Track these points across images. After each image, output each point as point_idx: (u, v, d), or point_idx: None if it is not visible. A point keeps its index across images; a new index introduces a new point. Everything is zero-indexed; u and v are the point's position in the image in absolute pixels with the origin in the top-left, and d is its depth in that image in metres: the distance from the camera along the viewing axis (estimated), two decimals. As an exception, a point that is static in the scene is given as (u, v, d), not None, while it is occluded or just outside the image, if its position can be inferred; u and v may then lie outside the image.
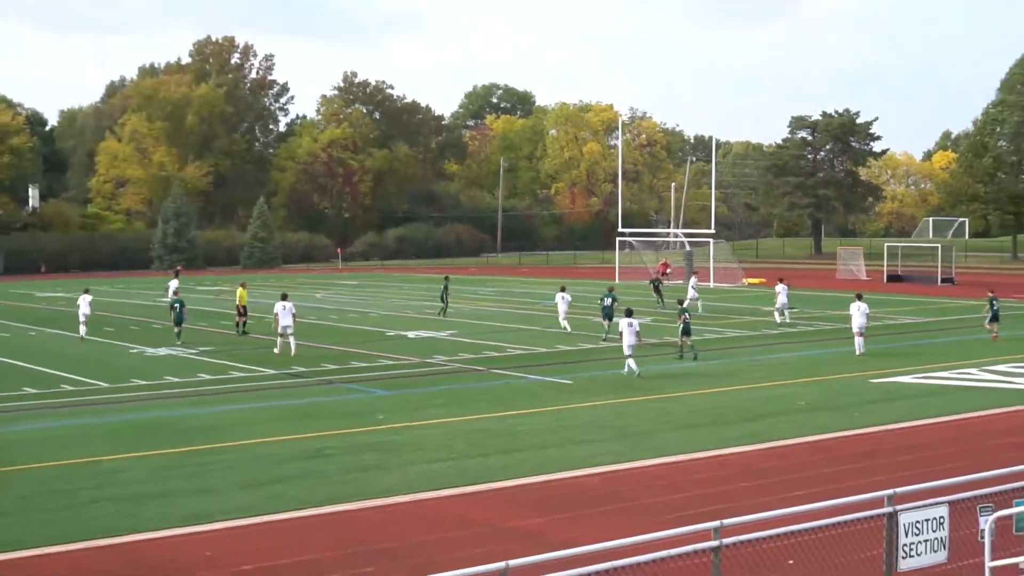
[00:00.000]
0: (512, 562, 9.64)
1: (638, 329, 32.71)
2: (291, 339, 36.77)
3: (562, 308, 43.59)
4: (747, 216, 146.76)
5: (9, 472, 20.39)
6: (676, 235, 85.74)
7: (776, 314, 46.18)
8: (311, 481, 19.59)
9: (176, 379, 31.97)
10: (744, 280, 75.50)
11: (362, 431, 24.16)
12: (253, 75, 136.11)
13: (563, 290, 44.14)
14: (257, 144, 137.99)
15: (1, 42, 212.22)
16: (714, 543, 10.76)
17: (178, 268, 74.72)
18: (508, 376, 32.35)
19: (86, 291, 43.81)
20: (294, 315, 37.11)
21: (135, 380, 31.78)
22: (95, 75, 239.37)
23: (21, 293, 72.08)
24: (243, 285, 46.01)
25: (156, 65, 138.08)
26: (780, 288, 46.13)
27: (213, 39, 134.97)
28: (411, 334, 42.14)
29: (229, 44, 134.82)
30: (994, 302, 40.67)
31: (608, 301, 40.67)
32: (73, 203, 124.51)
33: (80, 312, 41.64)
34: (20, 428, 24.88)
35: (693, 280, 55.56)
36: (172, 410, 27.15)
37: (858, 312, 36.72)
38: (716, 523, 10.83)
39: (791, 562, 11.95)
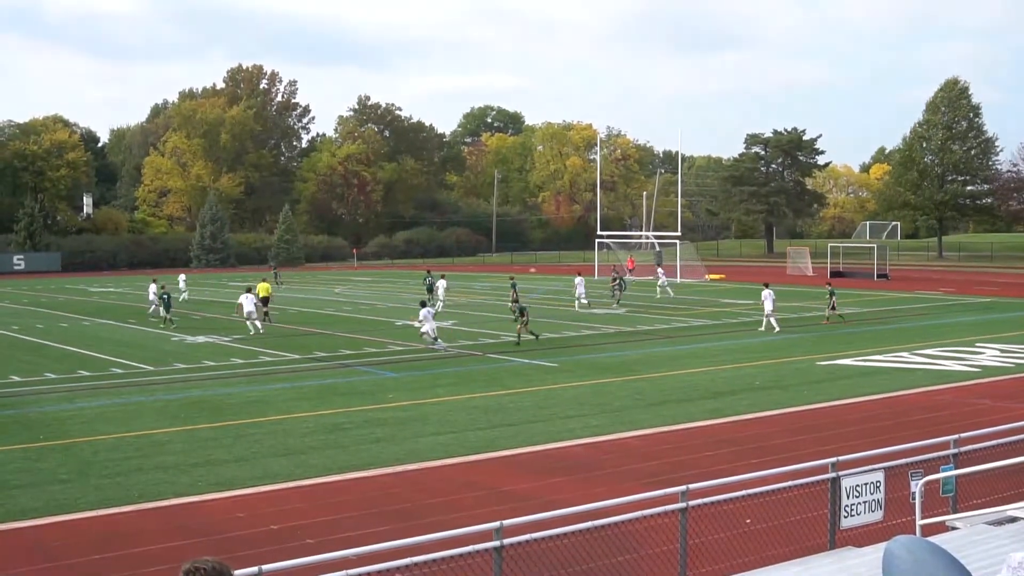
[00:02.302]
0: (506, 521, 9.68)
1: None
2: (256, 322, 39.85)
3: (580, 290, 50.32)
4: (708, 220, 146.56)
5: (68, 444, 20.38)
6: (647, 237, 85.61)
7: (767, 320, 39.60)
8: (332, 451, 19.59)
9: (212, 363, 31.93)
10: (706, 276, 75.54)
11: (375, 408, 24.16)
12: (279, 98, 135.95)
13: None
14: (282, 158, 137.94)
15: (60, 71, 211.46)
16: (681, 504, 10.82)
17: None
18: (502, 360, 32.35)
19: (154, 281, 44.11)
20: (256, 304, 40.72)
21: (177, 364, 31.73)
22: (142, 98, 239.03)
23: (77, 288, 71.92)
24: (265, 280, 46.41)
25: (195, 89, 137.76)
26: (766, 294, 39.77)
27: (244, 67, 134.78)
28: (415, 323, 42.11)
29: (258, 71, 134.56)
30: (832, 293, 43.04)
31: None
32: (122, 210, 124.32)
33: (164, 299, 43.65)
34: (76, 405, 24.84)
35: (660, 271, 58.75)
36: (209, 390, 27.12)
37: (768, 299, 39.52)
38: (683, 487, 10.90)
39: (748, 521, 12.01)
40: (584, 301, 50.19)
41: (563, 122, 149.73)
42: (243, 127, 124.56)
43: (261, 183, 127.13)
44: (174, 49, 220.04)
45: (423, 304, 36.04)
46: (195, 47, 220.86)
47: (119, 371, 30.45)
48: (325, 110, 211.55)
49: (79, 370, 30.43)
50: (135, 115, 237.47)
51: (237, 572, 5.43)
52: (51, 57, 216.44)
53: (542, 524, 10.13)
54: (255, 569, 8.19)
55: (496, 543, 9.51)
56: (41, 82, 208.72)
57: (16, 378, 29.09)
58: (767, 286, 41.03)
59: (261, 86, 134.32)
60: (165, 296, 44.08)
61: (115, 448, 19.95)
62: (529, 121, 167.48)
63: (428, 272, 58.60)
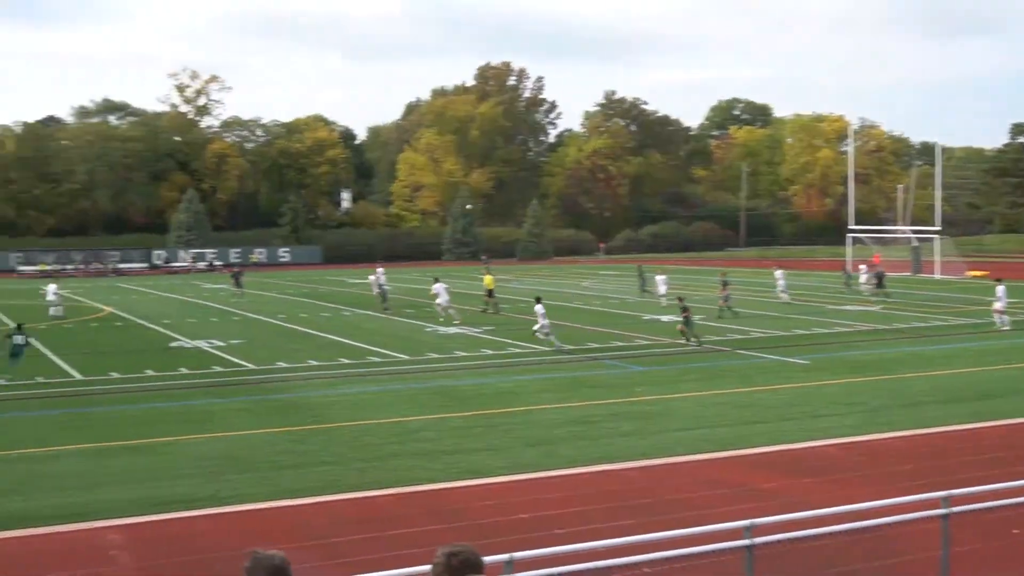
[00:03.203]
0: (757, 520, 9.49)
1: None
2: (451, 311, 40.06)
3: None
4: (969, 214, 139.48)
5: (330, 428, 21.28)
6: (904, 232, 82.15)
7: (995, 316, 38.40)
8: (580, 443, 19.70)
9: (464, 353, 32.67)
10: (967, 273, 71.92)
11: (622, 401, 24.16)
12: (527, 94, 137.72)
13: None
14: (530, 153, 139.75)
15: (321, 72, 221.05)
16: (943, 511, 10.31)
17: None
18: (751, 356, 31.77)
19: (436, 280, 44.99)
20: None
21: (431, 354, 32.63)
22: (396, 97, 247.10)
23: (337, 279, 75.04)
24: (489, 272, 48.16)
25: (446, 87, 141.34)
26: (1000, 290, 38.34)
27: (493, 64, 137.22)
28: (664, 318, 41.80)
29: (506, 68, 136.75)
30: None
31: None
32: (378, 204, 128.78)
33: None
34: (338, 392, 25.90)
35: (863, 268, 55.92)
36: (461, 380, 27.76)
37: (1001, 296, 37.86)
38: (945, 493, 10.38)
39: (1015, 531, 11.36)
40: (784, 296, 48.94)
41: (813, 113, 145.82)
42: (492, 123, 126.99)
43: (510, 178, 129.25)
44: (426, 48, 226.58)
45: (538, 300, 35.21)
46: (446, 46, 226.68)
47: (376, 360, 31.56)
48: (571, 106, 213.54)
49: (340, 358, 31.71)
50: (390, 113, 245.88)
51: (488, 559, 5.53)
52: (312, 59, 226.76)
53: (795, 524, 9.88)
54: (506, 556, 8.31)
55: (747, 542, 9.34)
56: (304, 84, 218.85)
57: (283, 364, 30.61)
58: (1000, 282, 39.05)
59: (509, 83, 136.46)
60: (384, 288, 46.81)
61: (373, 433, 20.69)
62: (778, 113, 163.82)
63: (640, 267, 58.76)
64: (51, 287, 47.71)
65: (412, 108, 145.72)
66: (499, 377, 28.13)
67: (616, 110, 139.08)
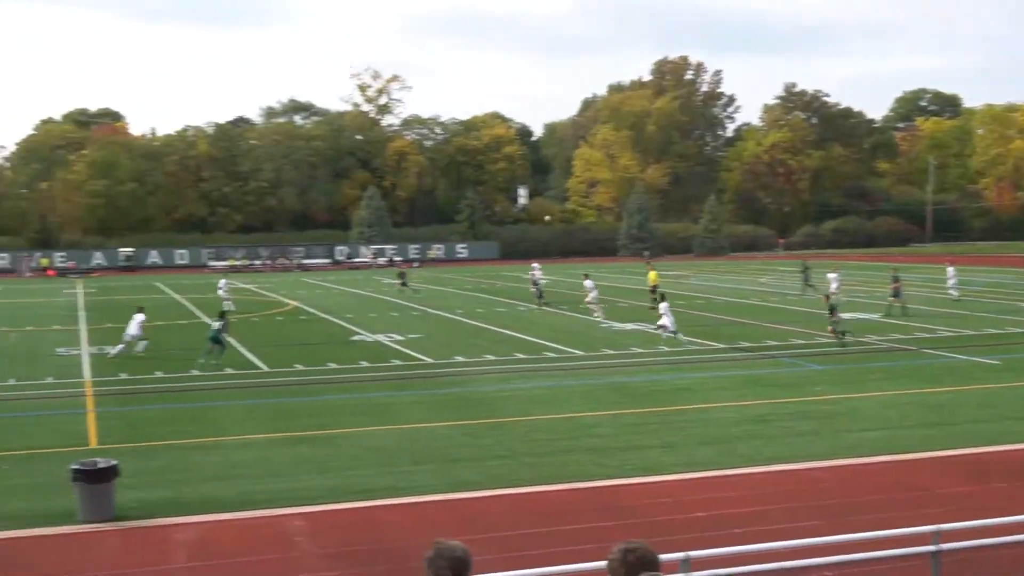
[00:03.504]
0: (944, 526, 9.14)
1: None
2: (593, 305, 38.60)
3: None
4: None
5: (504, 422, 21.46)
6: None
7: None
8: (757, 442, 19.37)
9: (640, 350, 32.50)
10: None
11: (801, 400, 23.64)
12: (704, 88, 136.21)
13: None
14: (707, 148, 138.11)
15: (499, 69, 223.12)
16: None
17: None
18: (938, 356, 30.66)
19: (586, 276, 45.74)
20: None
21: (605, 350, 32.58)
22: (573, 93, 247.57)
23: (512, 275, 75.64)
24: (652, 268, 49.25)
25: (622, 83, 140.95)
26: None
27: (670, 59, 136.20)
28: (845, 316, 40.75)
29: (683, 63, 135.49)
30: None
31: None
32: (554, 200, 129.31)
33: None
34: (512, 386, 26.11)
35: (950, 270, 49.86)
36: (636, 376, 27.63)
37: None
38: None
39: None
40: (954, 293, 46.89)
41: (1006, 103, 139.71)
42: (669, 118, 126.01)
43: (686, 173, 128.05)
44: (603, 44, 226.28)
45: (663, 298, 35.24)
46: (623, 41, 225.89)
47: (551, 355, 31.69)
48: (749, 99, 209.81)
49: (515, 353, 31.97)
50: (566, 109, 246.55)
51: (664, 557, 5.47)
52: (492, 57, 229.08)
53: (984, 531, 9.48)
54: (682, 555, 8.21)
55: (933, 548, 9.00)
56: (481, 81, 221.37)
57: (460, 359, 31.03)
58: None
59: (686, 77, 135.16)
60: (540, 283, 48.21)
61: (547, 429, 20.78)
62: (968, 103, 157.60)
63: (804, 263, 57.26)
64: (222, 282, 50.08)
65: (588, 104, 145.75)
66: (675, 374, 27.87)
67: (796, 103, 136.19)
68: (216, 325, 31.27)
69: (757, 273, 74.01)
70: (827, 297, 35.18)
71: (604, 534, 13.29)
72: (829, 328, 34.07)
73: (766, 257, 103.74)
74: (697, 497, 15.77)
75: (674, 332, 33.38)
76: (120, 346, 32.45)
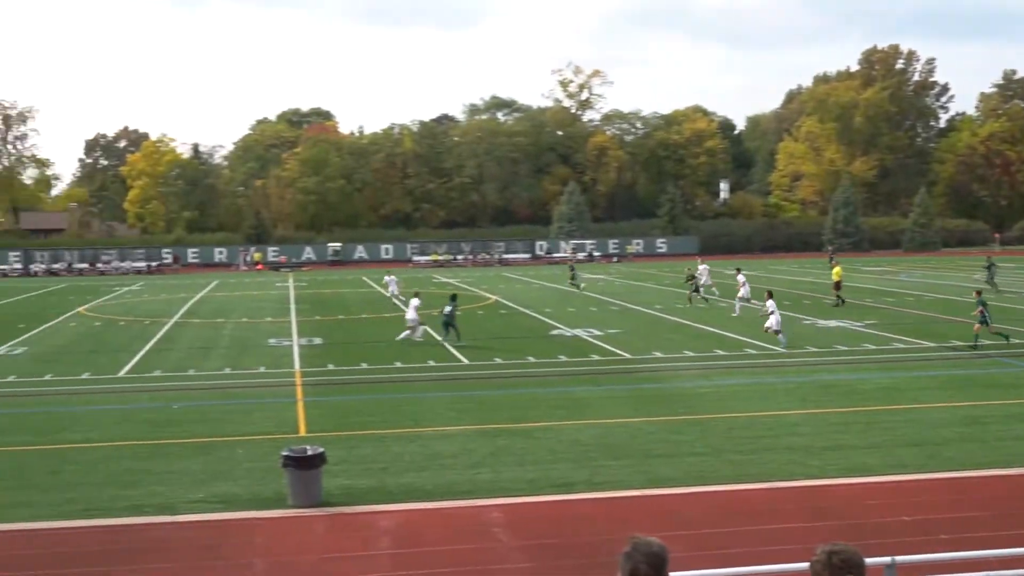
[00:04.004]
0: None
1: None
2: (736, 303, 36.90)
3: None
4: None
5: (704, 419, 21.23)
6: None
7: None
8: (969, 445, 18.59)
9: (844, 348, 31.63)
10: None
11: (1018, 402, 22.56)
12: (915, 78, 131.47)
13: None
14: (918, 139, 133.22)
15: (701, 62, 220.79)
16: None
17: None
18: None
19: (738, 270, 45.39)
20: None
21: (808, 347, 31.86)
22: (776, 84, 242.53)
23: (714, 271, 74.64)
24: (837, 264, 48.64)
25: (828, 73, 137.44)
26: None
27: (879, 48, 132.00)
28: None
29: (894, 51, 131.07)
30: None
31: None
32: (756, 195, 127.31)
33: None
34: (713, 383, 25.82)
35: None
36: (840, 375, 26.91)
37: None
38: None
39: None
40: None
41: None
42: (877, 109, 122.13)
43: (895, 165, 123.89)
44: (808, 34, 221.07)
45: (770, 295, 33.88)
46: (830, 31, 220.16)
47: (752, 352, 31.18)
48: (965, 88, 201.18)
49: (715, 349, 31.60)
50: (770, 101, 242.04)
51: (869, 560, 5.30)
52: (693, 50, 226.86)
53: None
54: (888, 559, 7.99)
55: None
56: (683, 74, 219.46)
57: (659, 354, 30.88)
58: None
59: (896, 66, 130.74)
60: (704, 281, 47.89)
61: (748, 426, 20.47)
62: None
63: (989, 259, 54.32)
64: (390, 278, 51.50)
65: (792, 96, 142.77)
66: (880, 373, 27.03)
67: (1016, 91, 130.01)
68: (447, 309, 33.66)
69: (971, 269, 70.97)
70: (978, 292, 33.23)
71: (805, 535, 13.02)
72: (976, 327, 32.15)
73: (981, 253, 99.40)
74: (903, 500, 15.26)
75: (778, 331, 32.23)
76: (405, 332, 34.19)
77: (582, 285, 57.13)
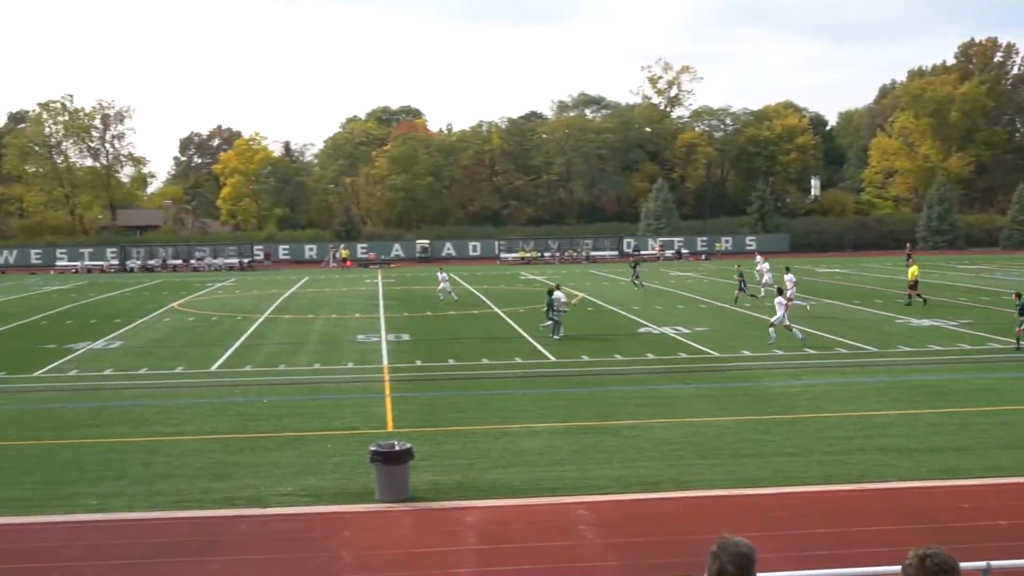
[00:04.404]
0: None
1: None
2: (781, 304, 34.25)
3: None
4: None
5: (794, 419, 20.97)
6: None
7: None
8: (1068, 448, 18.13)
9: (938, 347, 31.03)
10: None
11: (1121, 405, 21.93)
12: (1014, 71, 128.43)
13: None
14: (1017, 134, 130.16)
15: (793, 57, 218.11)
16: None
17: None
18: None
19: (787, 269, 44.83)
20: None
21: (900, 347, 31.31)
22: (869, 79, 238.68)
23: (804, 268, 73.86)
24: (913, 263, 47.88)
25: (923, 68, 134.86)
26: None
27: (977, 41, 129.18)
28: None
29: (992, 44, 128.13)
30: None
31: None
32: (848, 192, 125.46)
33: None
34: (802, 382, 25.49)
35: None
36: (933, 375, 26.40)
37: None
38: None
39: None
40: None
41: None
42: (974, 104, 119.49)
43: (992, 161, 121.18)
44: (903, 28, 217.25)
45: (780, 291, 34.41)
46: (925, 24, 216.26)
47: (843, 351, 30.72)
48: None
49: (805, 348, 31.15)
50: (862, 97, 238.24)
51: (963, 565, 5.19)
52: (786, 45, 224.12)
53: None
54: (983, 564, 7.82)
55: None
56: (774, 70, 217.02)
57: (747, 353, 30.58)
58: None
59: (995, 60, 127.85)
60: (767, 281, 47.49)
61: (838, 427, 20.18)
62: None
63: None
64: (442, 275, 51.25)
65: (886, 91, 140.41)
66: (975, 373, 26.46)
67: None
68: (551, 300, 34.94)
69: (1072, 268, 69.16)
70: (1018, 296, 32.11)
71: (896, 538, 12.81)
72: (1018, 329, 31.22)
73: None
74: (998, 504, 14.92)
75: (774, 323, 32.33)
76: (548, 322, 35.15)
77: (641, 286, 56.47)
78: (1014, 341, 31.07)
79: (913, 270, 45.29)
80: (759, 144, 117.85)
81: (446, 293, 49.58)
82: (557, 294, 35.24)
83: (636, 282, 57.04)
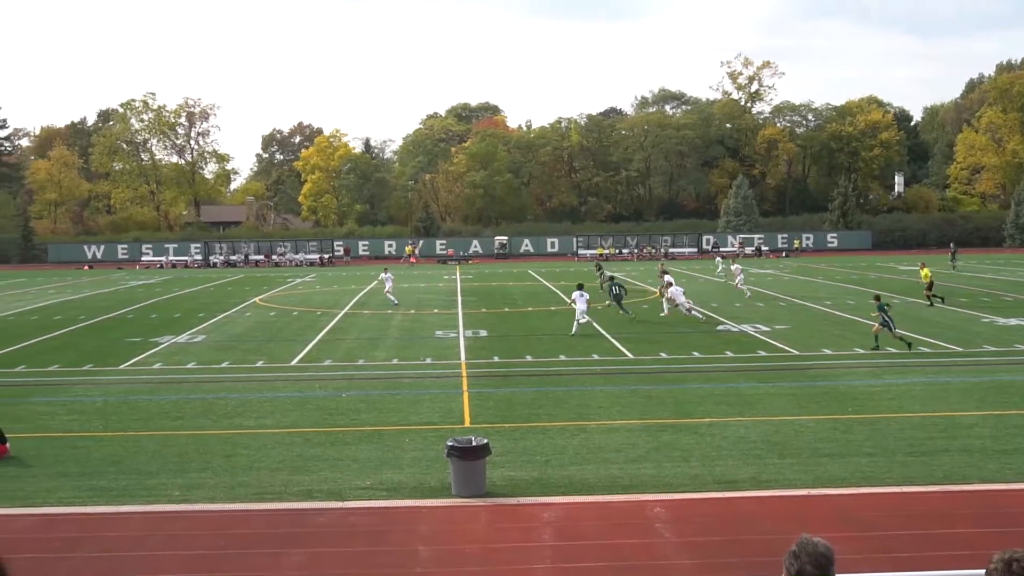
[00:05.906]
0: None
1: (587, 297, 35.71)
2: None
3: None
4: None
5: (875, 418, 20.64)
6: None
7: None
8: None
9: (1025, 347, 30.43)
10: None
11: None
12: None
13: None
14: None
15: (878, 52, 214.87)
16: None
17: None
18: None
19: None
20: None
21: (986, 346, 30.70)
22: (956, 74, 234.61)
23: (886, 266, 72.81)
24: (923, 265, 48.43)
25: (1012, 61, 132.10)
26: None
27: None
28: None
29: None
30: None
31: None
32: (932, 188, 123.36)
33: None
34: (884, 381, 25.10)
35: None
36: (1020, 375, 25.78)
37: None
38: None
39: None
40: None
41: None
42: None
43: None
44: (991, 21, 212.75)
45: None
46: (1015, 18, 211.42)
47: (926, 350, 30.19)
48: None
49: (886, 347, 30.67)
50: (949, 92, 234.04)
51: (1049, 570, 5.06)
52: (871, 40, 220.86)
53: None
54: (1070, 569, 7.61)
55: None
56: (859, 65, 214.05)
57: (828, 351, 30.20)
58: None
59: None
60: None
61: (920, 427, 19.84)
62: None
63: None
64: (386, 275, 48.70)
65: (973, 85, 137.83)
66: (1066, 374, 25.82)
67: None
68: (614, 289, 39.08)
69: None
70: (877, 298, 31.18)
71: (980, 541, 12.56)
72: None
73: None
74: (1088, 508, 14.55)
75: (671, 309, 35.89)
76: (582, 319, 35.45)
77: (745, 292, 55.88)
78: None
79: (925, 273, 44.70)
80: (841, 140, 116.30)
81: (389, 295, 47.16)
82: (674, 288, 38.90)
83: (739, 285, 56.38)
